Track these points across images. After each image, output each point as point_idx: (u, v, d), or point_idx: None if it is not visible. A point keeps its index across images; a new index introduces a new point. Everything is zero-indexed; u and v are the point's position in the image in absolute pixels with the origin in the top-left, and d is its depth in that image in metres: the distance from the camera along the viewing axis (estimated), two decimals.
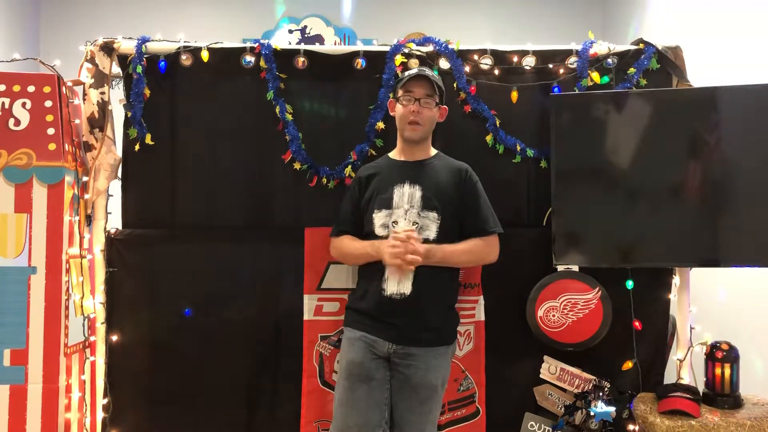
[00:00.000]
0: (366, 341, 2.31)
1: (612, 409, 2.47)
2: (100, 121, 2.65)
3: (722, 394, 2.47)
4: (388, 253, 2.27)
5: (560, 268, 2.65)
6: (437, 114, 2.46)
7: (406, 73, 2.45)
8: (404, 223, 2.34)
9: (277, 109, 2.70)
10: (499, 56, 2.76)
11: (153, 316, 2.67)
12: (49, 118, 2.49)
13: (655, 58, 2.73)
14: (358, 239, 2.43)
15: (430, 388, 2.30)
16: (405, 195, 2.37)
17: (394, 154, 2.52)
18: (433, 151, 2.51)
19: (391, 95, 2.57)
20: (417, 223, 2.34)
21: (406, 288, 2.30)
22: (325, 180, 2.72)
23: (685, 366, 2.69)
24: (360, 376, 2.28)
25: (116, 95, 2.74)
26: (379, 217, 2.37)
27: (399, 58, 2.71)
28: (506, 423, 2.69)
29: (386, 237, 2.34)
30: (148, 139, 2.70)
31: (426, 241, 2.33)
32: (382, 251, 2.30)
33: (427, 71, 2.46)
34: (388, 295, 2.31)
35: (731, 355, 2.48)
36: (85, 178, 2.64)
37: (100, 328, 2.66)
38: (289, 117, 2.70)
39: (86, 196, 2.64)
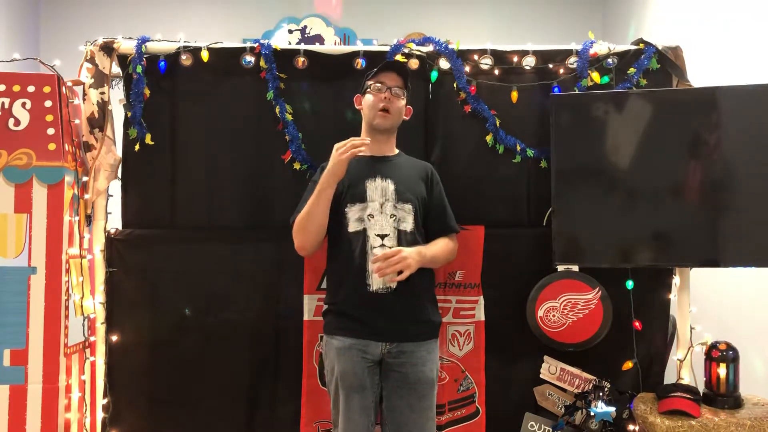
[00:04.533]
0: (358, 348, 2.27)
1: (612, 409, 2.47)
2: (100, 121, 2.65)
3: (722, 394, 2.47)
4: (338, 156, 2.21)
5: (560, 268, 2.65)
6: (405, 108, 2.44)
7: (378, 67, 2.43)
8: (380, 217, 2.32)
9: (277, 109, 2.70)
10: (499, 56, 2.76)
11: (153, 316, 2.67)
12: (49, 118, 2.49)
13: (655, 58, 2.73)
14: None
15: (428, 382, 2.30)
16: (378, 188, 2.34)
17: None
18: (397, 150, 2.50)
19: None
20: (395, 215, 2.33)
21: (392, 282, 2.27)
22: None
23: (685, 366, 2.69)
24: (353, 386, 2.26)
25: (116, 95, 2.74)
26: (353, 212, 2.33)
27: (399, 58, 2.70)
28: (506, 423, 2.69)
29: (361, 231, 2.31)
30: (148, 139, 2.70)
31: (405, 232, 2.33)
32: (331, 162, 2.22)
33: (399, 59, 2.47)
34: (373, 290, 2.27)
35: (731, 355, 2.48)
36: (85, 178, 2.64)
37: (100, 328, 2.66)
38: (289, 117, 2.71)
39: (86, 196, 2.64)
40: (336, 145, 2.27)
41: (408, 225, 2.34)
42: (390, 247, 2.28)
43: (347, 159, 2.23)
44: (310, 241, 2.35)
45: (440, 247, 2.40)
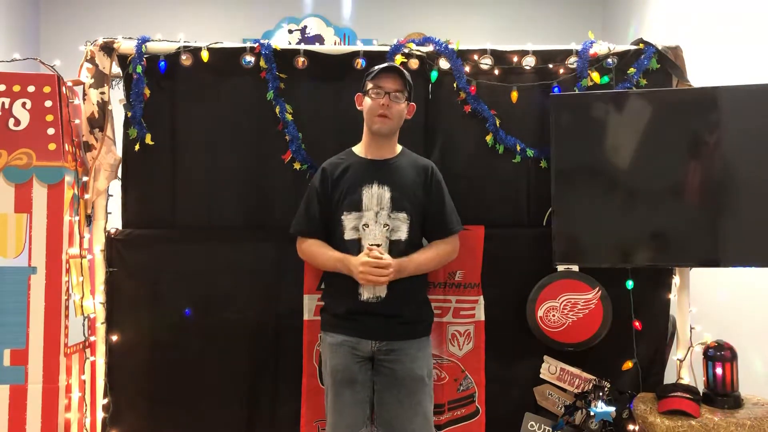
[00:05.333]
0: (348, 345, 2.31)
1: (612, 409, 2.47)
2: (100, 121, 2.65)
3: (722, 394, 2.47)
4: (360, 276, 2.26)
5: (560, 268, 2.65)
6: (406, 110, 2.43)
7: (377, 67, 2.40)
8: (375, 226, 2.33)
9: (277, 109, 2.70)
10: (499, 56, 2.76)
11: (153, 316, 2.67)
12: (49, 118, 2.49)
13: (655, 58, 2.73)
14: (327, 245, 2.39)
15: (417, 379, 2.31)
16: (374, 196, 2.35)
17: (359, 150, 2.47)
18: (399, 148, 2.49)
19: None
20: (388, 225, 2.34)
21: (382, 291, 2.31)
22: None
23: (685, 366, 2.69)
24: (344, 381, 2.30)
25: (116, 95, 2.74)
26: (349, 220, 2.35)
27: (399, 58, 2.70)
28: (506, 423, 2.69)
29: (356, 240, 2.33)
30: (148, 139, 2.70)
31: (398, 242, 2.33)
32: (352, 269, 2.28)
33: (398, 65, 2.44)
34: (364, 299, 2.31)
35: (730, 355, 2.48)
36: (85, 178, 2.64)
37: (100, 328, 2.66)
38: (289, 117, 2.70)
39: (86, 196, 2.64)
40: (364, 260, 2.25)
41: (402, 234, 2.35)
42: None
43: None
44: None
45: (429, 254, 2.40)
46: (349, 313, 2.34)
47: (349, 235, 2.34)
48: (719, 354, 2.49)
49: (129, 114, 2.69)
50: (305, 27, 5.04)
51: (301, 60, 2.71)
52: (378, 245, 2.30)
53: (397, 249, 2.32)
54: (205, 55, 2.69)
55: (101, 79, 2.66)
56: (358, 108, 2.47)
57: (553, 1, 5.07)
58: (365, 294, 2.31)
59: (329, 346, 2.36)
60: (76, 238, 2.59)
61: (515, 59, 2.76)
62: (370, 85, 2.38)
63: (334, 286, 2.43)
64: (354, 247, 2.33)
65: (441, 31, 3.02)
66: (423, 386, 2.34)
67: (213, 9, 4.97)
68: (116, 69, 2.70)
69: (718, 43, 3.37)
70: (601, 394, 2.51)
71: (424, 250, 2.41)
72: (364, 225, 2.33)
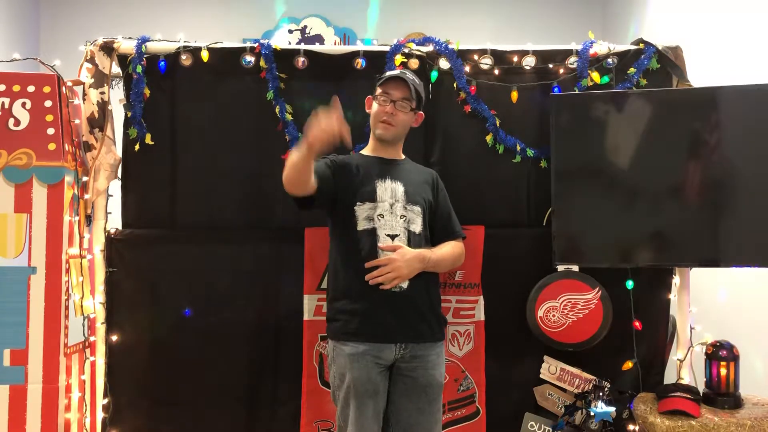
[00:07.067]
0: (372, 354, 2.23)
1: (612, 409, 2.47)
2: (100, 121, 2.65)
3: (722, 394, 2.47)
4: (311, 134, 2.05)
5: (560, 268, 2.65)
6: (412, 119, 2.43)
7: (387, 73, 2.42)
8: (390, 217, 2.31)
9: (277, 109, 2.70)
10: (499, 56, 2.76)
11: (153, 316, 2.68)
12: (49, 118, 2.49)
13: (655, 58, 2.73)
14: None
15: (437, 386, 2.31)
16: (388, 189, 2.35)
17: (367, 152, 2.49)
18: (403, 156, 2.50)
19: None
20: (405, 216, 2.33)
21: (403, 281, 2.26)
22: None
23: (685, 366, 2.69)
24: (368, 392, 2.22)
25: (116, 95, 2.74)
26: (362, 210, 2.32)
27: (399, 58, 2.71)
28: (506, 423, 2.69)
29: (370, 230, 2.29)
30: (148, 139, 2.70)
31: (413, 234, 2.32)
32: (308, 134, 2.06)
33: (408, 74, 2.41)
34: (384, 288, 2.24)
35: (731, 355, 2.48)
36: (85, 178, 2.64)
37: (100, 328, 2.66)
38: (289, 117, 2.70)
39: (86, 196, 2.64)
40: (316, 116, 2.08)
41: (417, 227, 2.34)
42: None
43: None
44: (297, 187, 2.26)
45: (447, 250, 2.39)
46: (369, 307, 2.24)
47: (362, 225, 2.31)
48: (719, 354, 2.49)
49: (129, 114, 2.69)
50: (305, 27, 5.04)
51: (301, 60, 2.71)
52: (396, 235, 2.29)
53: (414, 241, 2.31)
54: (205, 55, 2.69)
55: (101, 79, 2.66)
56: (367, 111, 2.47)
57: (553, 1, 5.07)
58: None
59: (348, 356, 2.24)
60: (76, 238, 2.59)
61: (515, 59, 2.76)
62: (378, 91, 2.39)
63: (349, 278, 2.30)
64: (368, 237, 2.29)
65: (441, 31, 3.02)
66: (440, 393, 2.33)
67: (213, 9, 4.97)
68: (116, 69, 2.70)
69: (718, 43, 3.37)
70: (601, 394, 2.51)
71: (442, 245, 2.40)
72: (378, 215, 2.31)
